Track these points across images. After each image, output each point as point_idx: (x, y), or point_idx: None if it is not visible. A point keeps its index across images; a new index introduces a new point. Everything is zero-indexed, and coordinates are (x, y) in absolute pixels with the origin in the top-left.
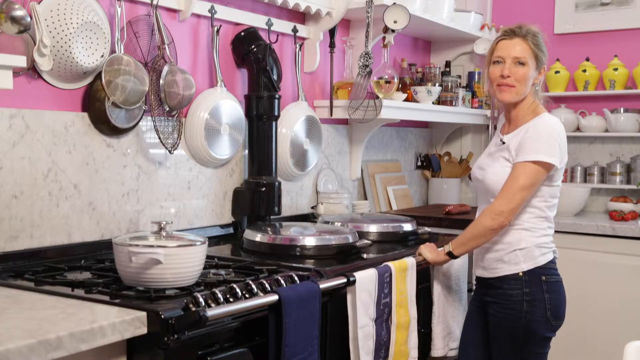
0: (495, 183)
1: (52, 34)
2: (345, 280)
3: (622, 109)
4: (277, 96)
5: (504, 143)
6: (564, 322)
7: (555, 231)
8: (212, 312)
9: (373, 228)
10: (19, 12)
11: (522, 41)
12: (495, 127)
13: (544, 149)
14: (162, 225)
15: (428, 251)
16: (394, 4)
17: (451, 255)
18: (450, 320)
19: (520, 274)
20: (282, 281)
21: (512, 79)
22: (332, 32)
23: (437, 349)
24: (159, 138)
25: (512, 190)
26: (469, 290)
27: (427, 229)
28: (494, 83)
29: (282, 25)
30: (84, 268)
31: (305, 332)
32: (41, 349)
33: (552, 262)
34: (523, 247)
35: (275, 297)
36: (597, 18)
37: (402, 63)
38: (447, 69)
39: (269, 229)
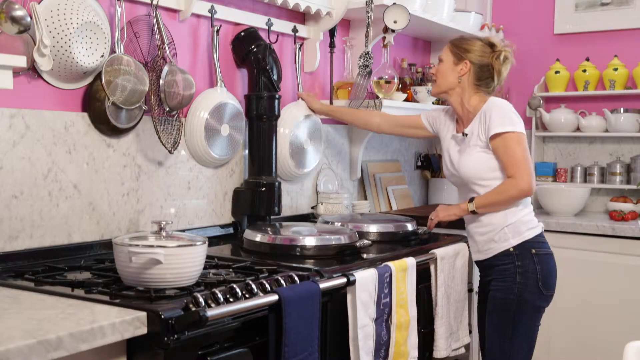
0: (474, 170)
1: (52, 34)
2: (345, 280)
3: (622, 109)
4: (277, 96)
5: (466, 135)
6: (554, 293)
7: (555, 231)
8: (212, 312)
9: (373, 228)
10: (19, 12)
11: (447, 45)
12: None
13: (501, 121)
14: (162, 225)
15: (443, 211)
16: (394, 4)
17: (473, 212)
18: (452, 321)
19: (511, 249)
20: (282, 281)
21: (434, 75)
22: (332, 32)
23: (440, 350)
24: (159, 138)
25: (518, 162)
26: (470, 290)
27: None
28: None
29: (282, 25)
30: (84, 268)
31: (305, 332)
32: (41, 349)
33: (540, 235)
34: (510, 224)
35: (275, 297)
36: (597, 18)
37: (402, 63)
38: None
39: (269, 229)
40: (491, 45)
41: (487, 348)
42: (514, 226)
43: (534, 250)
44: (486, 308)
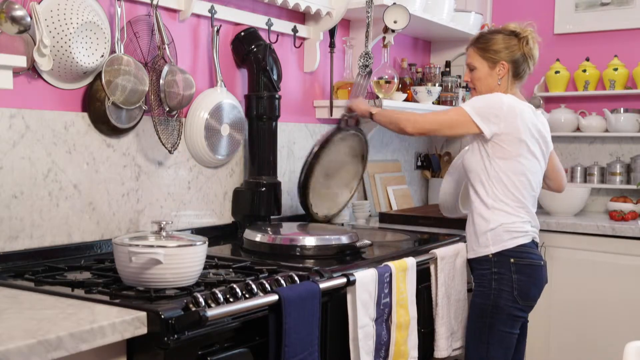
0: (466, 161)
1: (52, 34)
2: (345, 280)
3: (622, 109)
4: (277, 96)
5: None
6: (534, 304)
7: (555, 231)
8: (212, 312)
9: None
10: (19, 12)
11: (471, 49)
12: None
13: (473, 102)
14: (162, 225)
15: (358, 102)
16: (394, 4)
17: (370, 115)
18: (453, 320)
19: (490, 255)
20: (282, 281)
21: (471, 83)
22: (332, 32)
23: (440, 350)
24: (159, 138)
25: (432, 115)
26: (469, 290)
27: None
28: None
29: (282, 25)
30: (84, 268)
31: (305, 332)
32: (41, 349)
33: (527, 246)
34: (492, 229)
35: (275, 297)
36: (597, 18)
37: (402, 63)
38: (447, 69)
39: (269, 229)
40: (515, 34)
41: (465, 350)
42: (495, 233)
43: (512, 260)
44: None
